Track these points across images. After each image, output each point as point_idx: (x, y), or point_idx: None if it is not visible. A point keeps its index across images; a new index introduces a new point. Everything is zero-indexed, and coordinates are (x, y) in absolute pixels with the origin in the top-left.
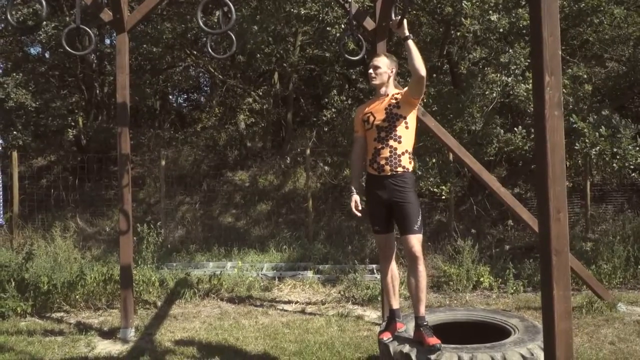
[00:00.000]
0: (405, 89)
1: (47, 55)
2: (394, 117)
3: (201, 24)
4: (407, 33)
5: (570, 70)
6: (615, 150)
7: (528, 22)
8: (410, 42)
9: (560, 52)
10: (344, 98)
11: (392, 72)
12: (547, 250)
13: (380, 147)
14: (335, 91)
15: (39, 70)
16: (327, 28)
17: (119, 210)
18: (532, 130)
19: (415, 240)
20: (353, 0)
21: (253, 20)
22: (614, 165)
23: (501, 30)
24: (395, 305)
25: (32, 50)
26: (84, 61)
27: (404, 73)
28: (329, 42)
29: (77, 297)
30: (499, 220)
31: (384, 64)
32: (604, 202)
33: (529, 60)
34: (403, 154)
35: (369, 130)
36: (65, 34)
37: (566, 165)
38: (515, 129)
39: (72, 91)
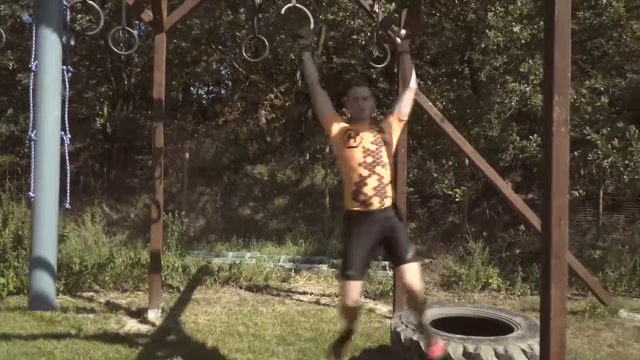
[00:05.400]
0: (389, 116)
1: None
2: (381, 141)
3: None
4: (408, 48)
5: (587, 82)
6: (626, 162)
7: None
8: (408, 55)
9: (569, 74)
10: None
11: (373, 101)
12: (548, 253)
13: (367, 174)
14: None
15: (71, 61)
16: (353, 36)
17: (151, 200)
18: None
19: (419, 269)
20: (379, 9)
21: (281, 26)
22: (625, 177)
23: (523, 41)
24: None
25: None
26: (113, 53)
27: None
28: (357, 47)
29: (106, 278)
30: (511, 225)
31: (369, 93)
32: (616, 212)
33: None
34: (388, 184)
35: (352, 148)
36: (112, 35)
37: (581, 173)
38: (531, 136)
39: (100, 81)
